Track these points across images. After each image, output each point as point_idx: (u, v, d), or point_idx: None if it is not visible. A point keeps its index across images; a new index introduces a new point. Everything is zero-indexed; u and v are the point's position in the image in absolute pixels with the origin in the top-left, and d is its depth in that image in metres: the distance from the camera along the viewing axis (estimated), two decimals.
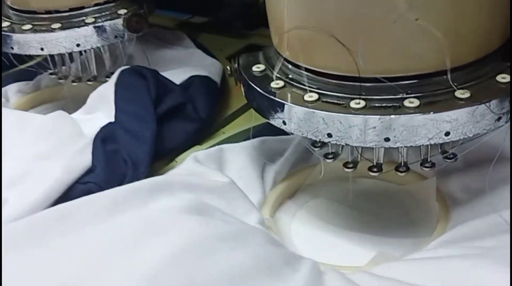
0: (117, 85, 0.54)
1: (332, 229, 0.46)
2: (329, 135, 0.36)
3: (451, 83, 0.35)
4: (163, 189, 0.41)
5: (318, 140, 0.37)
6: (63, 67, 0.64)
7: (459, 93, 0.35)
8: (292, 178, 0.51)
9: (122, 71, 0.55)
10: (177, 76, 0.58)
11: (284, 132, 0.52)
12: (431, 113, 0.34)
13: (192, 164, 0.45)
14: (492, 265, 0.33)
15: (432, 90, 0.36)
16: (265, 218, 0.45)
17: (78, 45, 0.57)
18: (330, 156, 0.44)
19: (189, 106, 0.54)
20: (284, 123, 0.39)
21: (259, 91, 0.40)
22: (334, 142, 0.37)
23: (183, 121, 0.54)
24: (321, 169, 0.51)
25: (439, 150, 0.42)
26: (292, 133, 0.39)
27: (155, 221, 0.37)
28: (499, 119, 0.35)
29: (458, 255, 0.36)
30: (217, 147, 0.48)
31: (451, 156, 0.41)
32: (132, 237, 0.36)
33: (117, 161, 0.46)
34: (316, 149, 0.44)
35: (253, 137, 0.50)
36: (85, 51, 0.60)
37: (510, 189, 0.31)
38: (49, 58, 0.63)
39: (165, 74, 0.57)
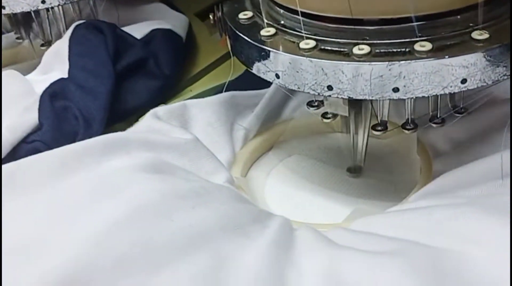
0: (72, 40, 0.49)
1: (308, 187, 0.43)
2: (330, 88, 0.32)
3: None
4: (118, 147, 0.37)
5: (317, 93, 0.33)
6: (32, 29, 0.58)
7: (476, 34, 0.31)
8: (264, 135, 0.47)
9: (77, 26, 0.51)
10: (137, 30, 0.53)
11: (255, 88, 0.49)
12: (446, 57, 0.30)
13: (151, 121, 0.41)
14: (475, 214, 0.30)
15: (446, 32, 0.32)
16: (235, 177, 0.41)
17: (43, 1, 0.52)
18: (328, 116, 0.40)
19: (151, 62, 0.50)
20: (277, 76, 0.34)
21: (247, 41, 0.36)
22: (335, 95, 0.32)
23: (145, 78, 0.50)
24: (295, 125, 0.48)
25: (449, 103, 0.38)
26: (285, 87, 0.35)
27: (109, 181, 0.33)
28: None
29: (440, 205, 0.32)
30: (180, 102, 0.44)
31: (463, 110, 0.38)
32: (83, 199, 0.32)
33: (67, 118, 0.42)
34: (311, 109, 0.39)
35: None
36: (52, 8, 0.54)
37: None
38: (13, 19, 0.58)
39: (125, 28, 0.53)
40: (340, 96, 0.32)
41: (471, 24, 0.32)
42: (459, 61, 0.30)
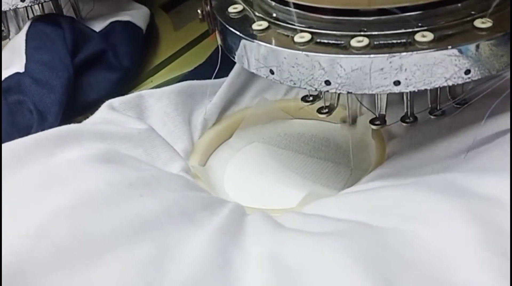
0: (28, 35, 0.49)
1: (268, 174, 0.43)
2: (327, 83, 0.31)
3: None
4: (71, 139, 0.37)
5: (314, 89, 0.32)
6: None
7: (479, 23, 0.30)
8: (223, 123, 0.47)
9: (34, 20, 0.51)
10: (97, 23, 0.53)
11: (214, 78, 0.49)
12: (449, 47, 0.29)
13: (106, 112, 0.41)
14: (421, 192, 0.30)
15: (447, 21, 0.31)
16: (192, 166, 0.42)
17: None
18: (324, 111, 0.38)
19: (109, 54, 0.50)
20: (272, 72, 0.33)
21: (239, 36, 0.34)
22: (334, 90, 0.31)
23: (104, 70, 0.50)
24: (254, 112, 0.48)
25: (449, 95, 0.37)
26: (279, 83, 0.33)
27: (58, 173, 0.33)
28: None
29: (387, 185, 0.33)
30: (135, 93, 0.44)
31: (463, 101, 0.37)
32: (32, 191, 0.32)
33: (21, 112, 0.41)
34: (306, 103, 0.39)
35: None
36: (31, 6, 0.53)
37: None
38: None
39: (85, 22, 0.53)
40: (338, 91, 0.31)
41: (473, 12, 0.31)
42: (462, 51, 0.29)
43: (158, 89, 0.45)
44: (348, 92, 0.31)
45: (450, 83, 0.30)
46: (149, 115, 0.44)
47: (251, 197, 0.41)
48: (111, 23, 0.53)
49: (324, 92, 0.38)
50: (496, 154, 0.33)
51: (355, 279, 0.26)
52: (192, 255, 0.28)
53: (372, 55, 0.29)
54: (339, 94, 0.38)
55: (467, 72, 0.30)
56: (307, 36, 0.31)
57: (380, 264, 0.27)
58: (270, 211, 0.36)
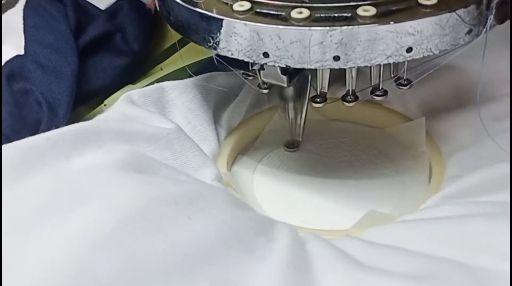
0: (26, 10, 0.42)
1: (302, 184, 0.38)
2: (265, 55, 0.30)
3: None
4: (90, 139, 0.31)
5: (252, 61, 0.30)
6: None
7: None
8: (249, 123, 0.42)
9: None
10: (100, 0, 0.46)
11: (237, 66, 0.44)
12: (391, 23, 0.28)
13: (126, 107, 0.35)
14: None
15: None
16: (222, 173, 0.36)
17: None
18: (264, 87, 0.37)
19: (117, 36, 0.44)
20: (209, 40, 0.31)
21: (177, 2, 0.32)
22: (272, 63, 0.30)
23: (110, 54, 0.44)
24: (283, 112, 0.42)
25: (391, 75, 0.35)
26: (217, 52, 0.32)
27: (80, 183, 0.27)
28: (469, 31, 0.29)
29: (466, 214, 0.28)
30: (156, 85, 0.38)
31: (405, 82, 0.35)
32: (49, 206, 0.26)
33: (29, 104, 0.35)
34: (249, 78, 0.37)
35: (198, 74, 0.41)
36: None
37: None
38: None
39: None
40: (277, 64, 0.30)
41: None
42: (404, 28, 0.28)
43: (180, 81, 0.39)
44: (286, 66, 0.30)
45: (391, 61, 0.29)
46: (171, 111, 0.38)
47: (288, 211, 0.36)
48: (118, 0, 0.47)
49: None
50: None
51: None
52: None
53: (311, 28, 0.28)
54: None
55: (409, 50, 0.29)
56: (247, 5, 0.30)
57: None
58: (323, 233, 0.31)
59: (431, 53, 0.29)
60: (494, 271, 0.25)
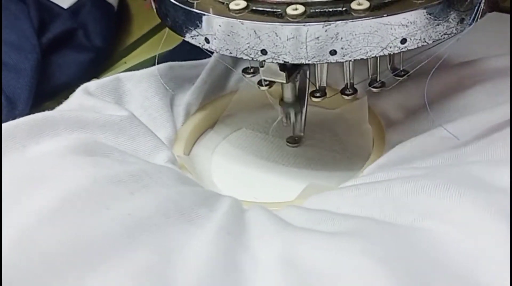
0: None
1: (258, 163, 0.40)
2: (264, 52, 0.30)
3: None
4: (46, 128, 0.33)
5: (250, 58, 0.31)
6: None
7: None
8: (207, 109, 0.44)
9: None
10: None
11: (195, 59, 0.46)
12: (385, 15, 0.28)
13: (82, 97, 0.37)
14: (436, 187, 0.28)
15: None
16: (178, 156, 0.38)
17: None
18: (265, 83, 0.37)
19: (80, 33, 0.46)
20: (207, 41, 0.32)
21: (173, 3, 0.33)
22: (270, 60, 0.30)
23: (74, 51, 0.46)
24: (240, 97, 0.45)
25: (388, 66, 0.36)
26: (215, 52, 0.32)
27: (35, 168, 0.30)
28: (462, 21, 0.30)
29: (397, 178, 0.30)
30: (113, 76, 0.40)
31: (402, 72, 0.36)
32: (7, 189, 0.28)
33: None
34: (248, 75, 0.38)
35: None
36: None
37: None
38: None
39: None
40: (275, 61, 0.30)
41: None
42: (398, 20, 0.29)
43: (136, 72, 0.41)
44: (285, 62, 0.30)
45: (387, 53, 0.30)
46: (128, 100, 0.40)
47: (242, 189, 0.38)
48: None
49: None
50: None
51: (380, 284, 0.24)
52: (196, 259, 0.25)
53: (307, 24, 0.29)
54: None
55: (403, 41, 0.29)
56: (242, 3, 0.30)
57: (405, 266, 0.25)
58: (268, 205, 0.33)
59: (425, 44, 0.30)
60: (414, 228, 0.27)
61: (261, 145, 0.42)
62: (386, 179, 0.31)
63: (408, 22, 0.29)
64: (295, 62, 0.30)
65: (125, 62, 0.49)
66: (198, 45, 0.32)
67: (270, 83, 0.37)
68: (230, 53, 0.31)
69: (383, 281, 0.24)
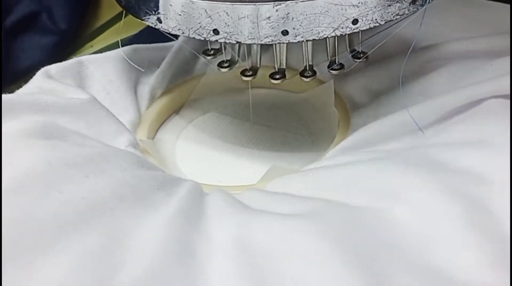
0: None
1: (223, 147, 0.40)
2: (216, 32, 0.30)
3: None
4: (4, 111, 0.32)
5: (203, 38, 0.31)
6: None
7: None
8: (173, 92, 0.43)
9: None
10: None
11: (161, 42, 0.45)
12: None
13: (42, 81, 0.37)
14: (392, 169, 0.28)
15: None
16: (141, 140, 0.38)
17: None
18: (225, 65, 0.37)
19: (44, 16, 0.46)
20: (160, 20, 0.32)
21: None
22: (223, 40, 0.30)
23: (37, 34, 0.45)
24: (207, 80, 0.44)
25: (347, 48, 0.36)
26: (169, 33, 0.32)
27: None
28: (414, 1, 0.30)
29: (358, 160, 0.30)
30: (74, 59, 0.40)
31: (361, 55, 0.36)
32: None
33: None
34: (209, 57, 0.37)
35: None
36: None
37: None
38: None
39: None
40: (228, 41, 0.30)
41: None
42: (348, 0, 0.29)
43: (100, 55, 0.41)
44: (237, 42, 0.30)
45: (338, 33, 0.30)
46: (91, 84, 0.40)
47: (207, 173, 0.38)
48: None
49: (225, 45, 0.37)
50: (471, 126, 0.31)
51: (333, 264, 0.24)
52: (149, 243, 0.25)
53: (258, 3, 0.29)
54: (239, 47, 0.37)
55: (355, 21, 0.30)
56: None
57: (358, 247, 0.25)
58: (229, 189, 0.33)
59: (377, 24, 0.30)
60: (369, 208, 0.27)
61: (228, 129, 0.42)
62: (347, 162, 0.31)
63: (359, 3, 0.29)
64: (248, 42, 0.30)
65: (92, 46, 0.49)
66: (151, 25, 0.32)
67: (231, 65, 0.37)
68: (183, 32, 0.31)
69: (335, 262, 0.24)
